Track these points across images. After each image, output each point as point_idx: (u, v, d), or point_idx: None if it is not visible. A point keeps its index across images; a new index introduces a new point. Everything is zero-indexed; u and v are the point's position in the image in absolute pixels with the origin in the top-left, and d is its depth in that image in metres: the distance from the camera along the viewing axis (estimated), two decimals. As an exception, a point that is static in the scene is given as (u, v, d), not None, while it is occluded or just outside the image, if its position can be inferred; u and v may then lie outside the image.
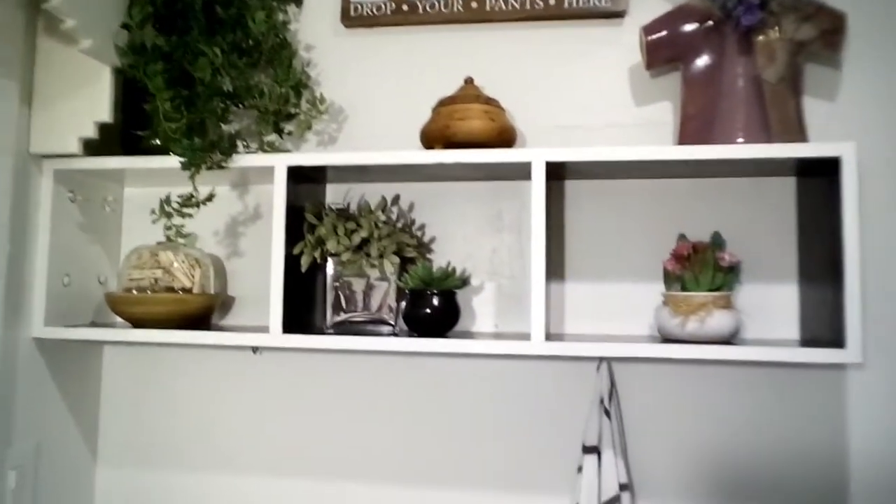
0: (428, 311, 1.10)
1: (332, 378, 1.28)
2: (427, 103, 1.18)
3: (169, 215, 1.08)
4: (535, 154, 1.05)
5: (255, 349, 1.30)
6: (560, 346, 1.02)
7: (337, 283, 1.14)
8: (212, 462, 1.32)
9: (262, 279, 1.27)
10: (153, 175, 1.26)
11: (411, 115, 1.23)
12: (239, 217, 1.34)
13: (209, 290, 1.24)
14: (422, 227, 1.25)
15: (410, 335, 1.11)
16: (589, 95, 1.25)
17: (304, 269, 1.13)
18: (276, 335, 1.09)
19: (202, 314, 1.22)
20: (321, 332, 1.17)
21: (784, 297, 1.14)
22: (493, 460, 1.22)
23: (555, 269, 1.12)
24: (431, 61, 1.30)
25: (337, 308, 1.14)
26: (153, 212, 1.10)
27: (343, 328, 1.14)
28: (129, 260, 1.22)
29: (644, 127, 1.24)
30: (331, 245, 1.10)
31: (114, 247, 1.36)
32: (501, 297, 1.24)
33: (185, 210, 1.09)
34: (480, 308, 1.25)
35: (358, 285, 1.15)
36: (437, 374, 1.25)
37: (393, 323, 1.15)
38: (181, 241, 1.12)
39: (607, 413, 1.12)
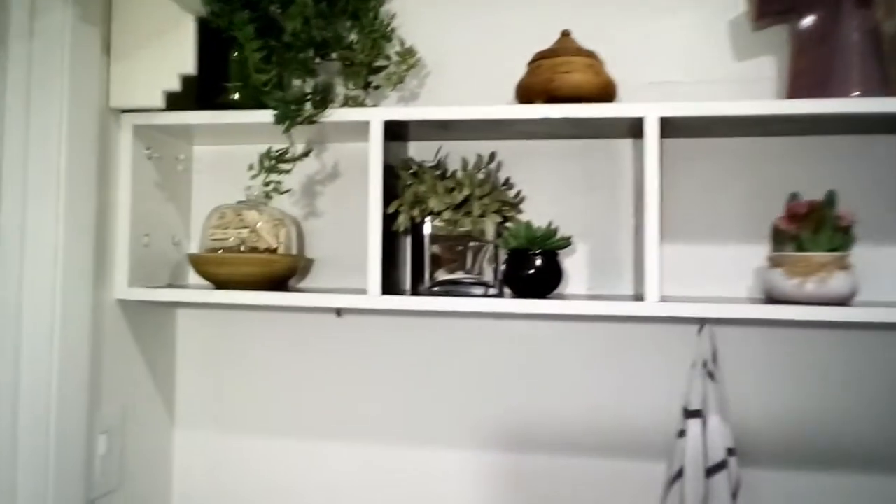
0: (530, 271, 1.06)
1: (421, 342, 1.26)
2: (509, 58, 1.14)
3: (269, 170, 1.03)
4: (649, 109, 1.01)
5: (338, 312, 1.27)
6: (677, 307, 0.99)
7: (434, 244, 1.11)
8: (289, 428, 1.30)
9: (341, 240, 1.25)
10: (224, 132, 1.22)
11: (493, 70, 1.19)
12: (316, 176, 1.29)
13: (293, 250, 1.20)
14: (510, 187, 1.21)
15: (511, 296, 1.07)
16: (679, 51, 1.21)
17: (401, 228, 1.09)
18: (374, 297, 1.06)
19: (286, 275, 1.18)
20: (415, 293, 1.13)
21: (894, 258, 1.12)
22: (588, 425, 1.20)
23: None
24: (515, 16, 1.25)
25: (435, 269, 1.11)
26: (251, 167, 1.06)
27: (441, 289, 1.11)
28: (211, 219, 1.18)
29: (740, 83, 1.19)
30: (433, 203, 1.06)
31: (185, 207, 1.31)
32: (594, 258, 1.21)
33: (282, 166, 1.04)
34: (572, 270, 1.21)
35: (456, 246, 1.11)
36: (530, 338, 1.22)
37: (492, 283, 1.11)
38: (279, 196, 1.08)
39: (711, 375, 1.10)
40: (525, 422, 1.22)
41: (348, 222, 1.27)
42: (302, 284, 1.30)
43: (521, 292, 1.07)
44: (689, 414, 1.10)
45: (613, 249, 1.20)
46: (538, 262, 1.06)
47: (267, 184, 1.04)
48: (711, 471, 1.08)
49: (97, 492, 1.08)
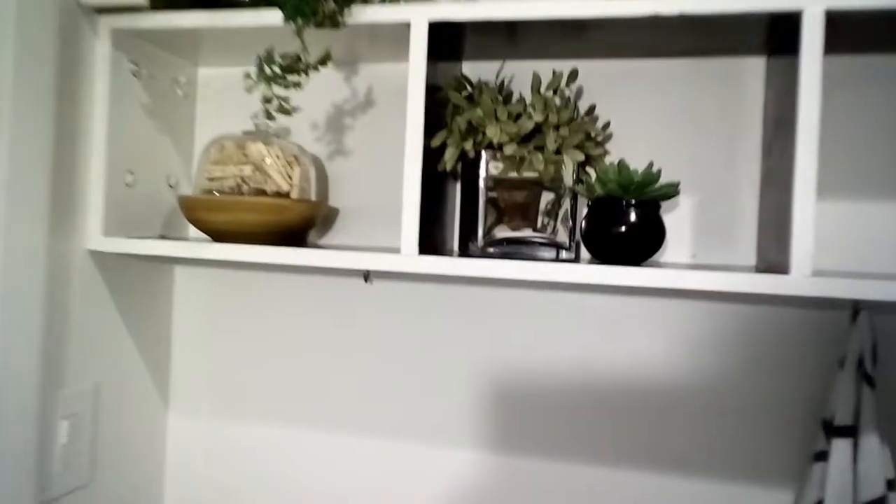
0: (623, 228, 0.78)
1: (469, 318, 0.99)
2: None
3: (270, 80, 0.77)
4: (809, 2, 0.70)
5: (366, 276, 1.01)
6: (837, 284, 0.69)
7: (491, 189, 0.83)
8: (304, 414, 1.05)
9: (373, 186, 1.00)
10: (233, 47, 0.96)
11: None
12: (344, 106, 1.03)
13: (310, 195, 0.95)
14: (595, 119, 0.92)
15: (592, 262, 0.79)
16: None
17: (448, 167, 0.82)
18: (409, 257, 0.80)
19: (302, 227, 0.93)
20: (464, 254, 0.86)
21: None
22: (684, 438, 0.92)
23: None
24: None
25: (491, 223, 0.83)
26: (247, 75, 0.79)
27: (498, 250, 0.83)
28: (209, 153, 0.93)
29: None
30: (493, 133, 0.78)
31: (186, 141, 1.07)
32: (700, 217, 0.91)
33: (291, 78, 0.77)
34: (670, 232, 0.92)
35: (521, 192, 0.83)
36: (609, 317, 0.94)
37: (567, 245, 0.83)
38: (288, 120, 0.81)
39: (868, 380, 0.80)
40: (604, 428, 0.95)
41: (383, 164, 1.00)
42: (322, 240, 1.04)
43: (607, 257, 0.79)
44: (836, 431, 0.81)
45: (728, 206, 0.90)
46: (634, 216, 0.77)
47: (268, 100, 0.78)
48: (866, 510, 0.79)
49: (58, 489, 0.86)
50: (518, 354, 0.97)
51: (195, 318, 1.10)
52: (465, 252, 0.87)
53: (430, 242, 0.85)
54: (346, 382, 1.03)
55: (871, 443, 0.79)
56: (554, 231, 0.83)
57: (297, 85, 0.77)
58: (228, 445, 1.08)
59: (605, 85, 0.92)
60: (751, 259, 0.89)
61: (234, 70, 1.06)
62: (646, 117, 0.93)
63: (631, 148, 0.91)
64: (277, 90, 0.77)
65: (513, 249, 0.83)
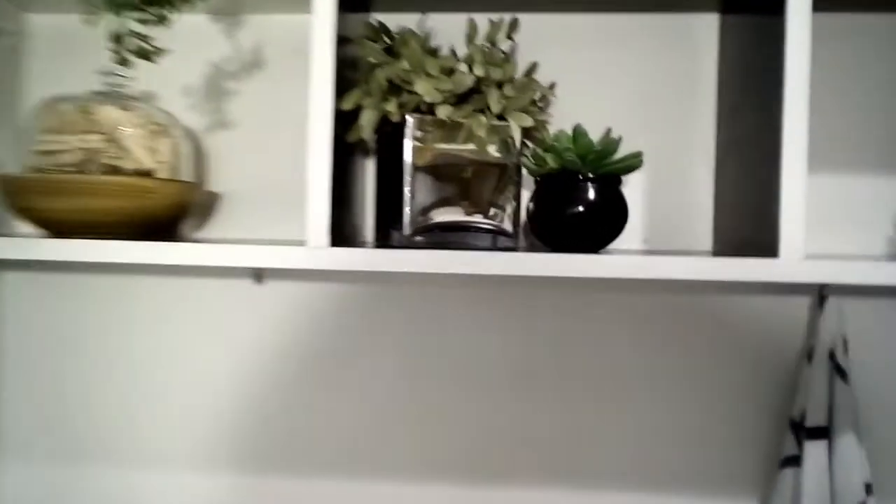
0: (580, 208, 0.64)
1: (390, 324, 0.82)
2: None
3: (121, 7, 0.56)
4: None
5: (257, 276, 0.82)
6: (835, 266, 0.60)
7: (420, 166, 0.67)
8: (180, 455, 0.85)
9: (265, 166, 0.82)
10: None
11: None
12: (226, 66, 0.83)
13: (181, 176, 0.75)
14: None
15: (541, 249, 0.65)
16: None
17: (365, 133, 0.65)
18: (317, 250, 0.62)
19: (171, 215, 0.73)
20: (384, 244, 0.70)
21: None
22: (636, 447, 0.81)
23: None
24: None
25: (420, 206, 0.67)
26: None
27: (428, 239, 0.68)
28: (42, 119, 0.71)
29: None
30: (422, 89, 0.62)
31: (10, 104, 0.83)
32: (652, 195, 0.80)
33: (152, 9, 0.57)
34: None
35: (456, 168, 0.68)
36: (560, 313, 0.81)
37: (511, 232, 0.69)
38: (147, 62, 0.61)
39: (842, 373, 0.72)
40: (556, 449, 0.81)
41: (276, 137, 0.82)
42: (198, 234, 0.84)
43: (560, 243, 0.66)
44: (808, 433, 0.72)
45: (680, 181, 0.80)
46: (593, 193, 0.65)
47: (119, 38, 0.57)
48: (845, 521, 0.71)
49: None
50: (451, 361, 0.82)
51: (29, 335, 0.86)
52: (385, 242, 0.71)
53: (339, 233, 0.68)
54: (230, 412, 0.84)
55: (848, 444, 0.71)
56: (498, 215, 0.68)
57: (162, 20, 0.57)
58: (72, 497, 0.85)
59: (540, 42, 0.79)
60: (707, 242, 0.79)
61: (74, 16, 0.83)
62: (590, 79, 0.80)
63: (573, 113, 0.78)
64: (133, 25, 0.57)
65: (447, 238, 0.68)
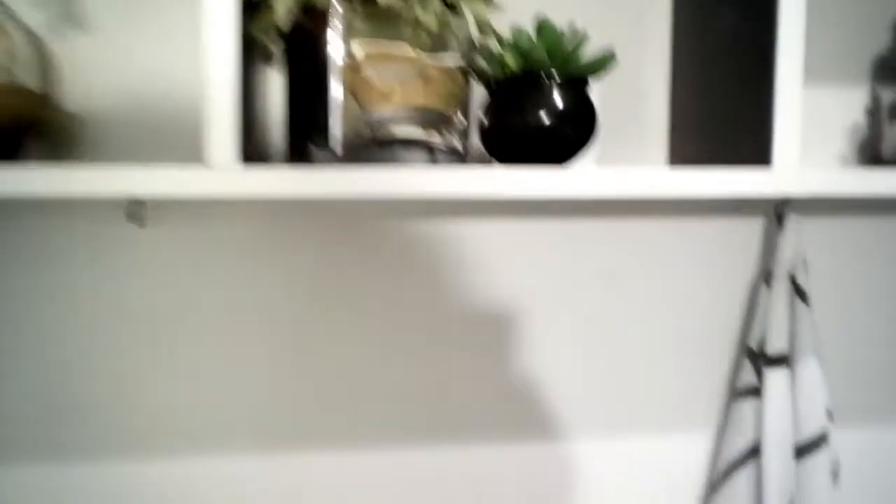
0: (547, 116, 0.54)
1: (310, 267, 0.69)
2: None
3: None
4: None
5: (134, 213, 0.65)
6: (836, 176, 0.54)
7: (350, 69, 0.54)
8: (39, 444, 0.68)
9: (136, 78, 0.64)
10: None
11: None
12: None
13: (24, 84, 0.56)
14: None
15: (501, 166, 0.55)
16: None
17: (281, 20, 0.51)
18: (226, 173, 0.48)
19: (9, 131, 0.55)
20: (299, 160, 0.57)
21: None
22: (588, 386, 0.74)
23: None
24: None
25: (349, 116, 0.54)
26: None
27: (356, 154, 0.55)
28: None
29: None
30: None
31: None
32: (602, 105, 0.72)
33: None
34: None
35: (394, 69, 0.55)
36: (494, 245, 0.71)
37: (461, 148, 0.58)
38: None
39: (803, 296, 0.68)
40: (473, 404, 0.73)
41: (151, 39, 0.64)
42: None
43: (522, 157, 0.55)
44: (769, 361, 0.68)
45: (633, 88, 0.72)
46: (561, 98, 0.55)
47: None
48: (806, 449, 0.68)
49: None
50: (384, 319, 0.70)
51: None
52: (302, 160, 0.58)
53: (249, 151, 0.54)
54: (100, 388, 0.67)
55: (810, 371, 0.68)
56: (445, 130, 0.57)
57: None
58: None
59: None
60: (661, 157, 0.72)
61: None
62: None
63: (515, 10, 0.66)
64: None
65: (382, 154, 0.55)
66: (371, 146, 0.55)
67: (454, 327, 0.70)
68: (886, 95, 0.72)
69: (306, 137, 0.57)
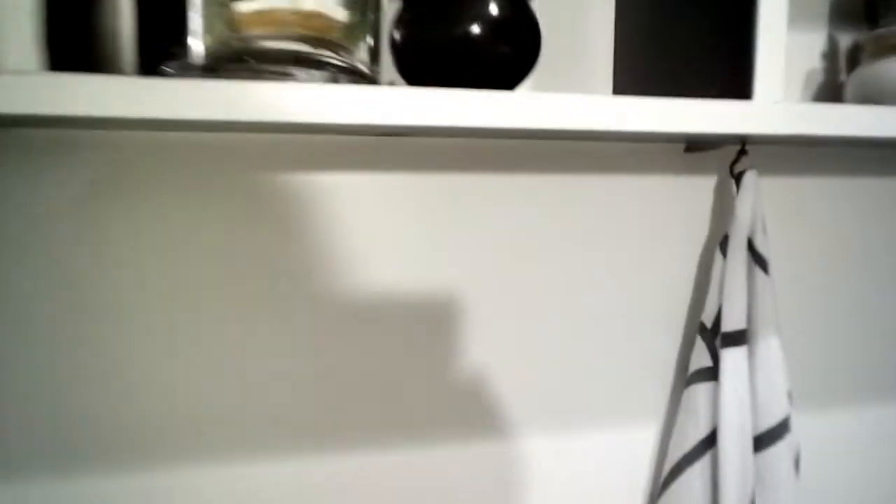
0: (478, 26, 0.42)
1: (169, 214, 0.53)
2: None
3: None
4: None
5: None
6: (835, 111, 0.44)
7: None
8: None
9: None
10: None
11: None
12: None
13: None
14: None
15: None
16: None
17: None
18: (26, 78, 0.33)
19: None
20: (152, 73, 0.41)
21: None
22: (522, 373, 0.62)
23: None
24: None
25: (219, 24, 0.40)
26: None
27: (235, 69, 0.41)
28: None
29: None
30: None
31: None
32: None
33: None
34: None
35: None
36: (365, 198, 0.58)
37: (368, 70, 0.44)
38: None
39: (761, 262, 0.60)
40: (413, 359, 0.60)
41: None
42: None
43: (436, 80, 0.43)
44: (725, 339, 0.59)
45: (573, 15, 0.60)
46: (496, 5, 0.42)
47: None
48: (767, 438, 0.59)
49: None
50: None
51: None
52: (153, 72, 0.42)
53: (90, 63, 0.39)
54: None
55: (770, 349, 0.59)
56: (347, 46, 0.43)
57: None
58: None
59: None
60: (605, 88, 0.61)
61: None
62: None
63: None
64: None
65: (263, 71, 0.41)
66: (243, 64, 0.40)
67: (352, 318, 0.57)
68: (844, 40, 0.65)
69: (160, 44, 0.42)
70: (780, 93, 0.43)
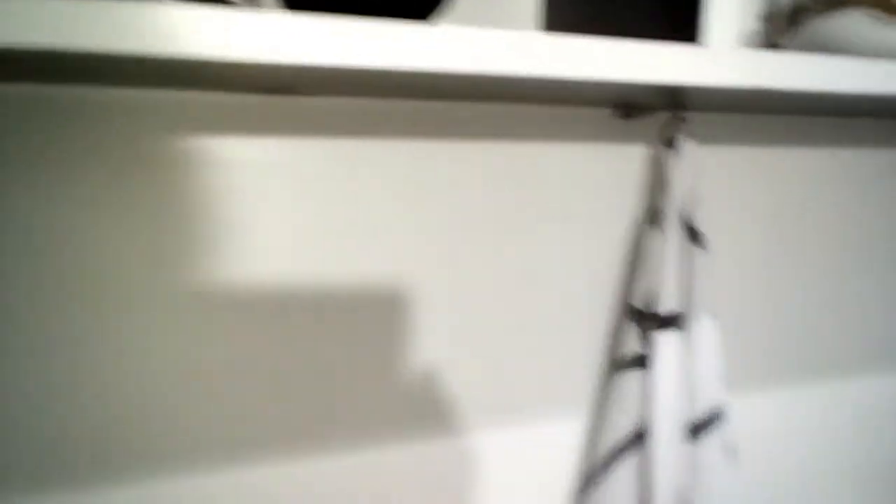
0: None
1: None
2: None
3: None
4: None
5: None
6: (786, 62, 0.39)
7: None
8: None
9: None
10: None
11: None
12: None
13: None
14: None
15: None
16: None
17: None
18: None
19: None
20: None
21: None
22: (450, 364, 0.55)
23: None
24: None
25: None
26: None
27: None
28: None
29: None
30: None
31: None
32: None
33: None
34: None
35: None
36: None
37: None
38: None
39: (697, 238, 0.54)
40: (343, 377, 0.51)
41: None
42: None
43: (331, 10, 0.34)
44: (659, 322, 0.54)
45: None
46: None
47: None
48: (701, 428, 0.55)
49: None
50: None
51: None
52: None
53: None
54: None
55: (706, 332, 0.54)
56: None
57: None
58: None
59: None
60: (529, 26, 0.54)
61: None
62: None
63: None
64: None
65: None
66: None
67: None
68: (784, 0, 0.61)
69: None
70: (733, 39, 0.37)
